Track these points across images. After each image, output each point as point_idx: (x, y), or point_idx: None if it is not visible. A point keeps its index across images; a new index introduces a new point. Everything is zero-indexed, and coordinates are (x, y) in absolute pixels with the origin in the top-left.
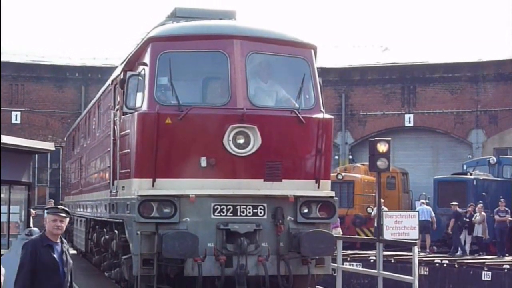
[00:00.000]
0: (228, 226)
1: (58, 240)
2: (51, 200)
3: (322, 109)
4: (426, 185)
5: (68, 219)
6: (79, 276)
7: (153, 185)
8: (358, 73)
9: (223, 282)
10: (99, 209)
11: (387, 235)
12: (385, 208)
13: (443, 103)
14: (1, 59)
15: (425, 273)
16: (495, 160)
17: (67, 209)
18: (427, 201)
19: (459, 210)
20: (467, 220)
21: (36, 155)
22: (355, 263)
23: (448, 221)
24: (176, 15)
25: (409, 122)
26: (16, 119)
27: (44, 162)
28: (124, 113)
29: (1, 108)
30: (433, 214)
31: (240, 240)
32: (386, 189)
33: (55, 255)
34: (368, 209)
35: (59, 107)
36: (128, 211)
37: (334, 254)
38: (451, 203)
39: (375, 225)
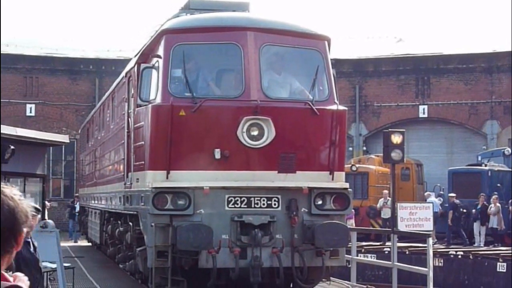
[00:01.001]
0: (242, 218)
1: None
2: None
3: (336, 100)
4: (440, 176)
5: (39, 216)
6: (93, 268)
7: (167, 177)
8: (372, 65)
9: (237, 273)
10: (113, 201)
11: (402, 226)
12: (389, 198)
13: (457, 94)
14: (16, 52)
15: (440, 264)
16: (510, 151)
17: (37, 206)
18: (442, 192)
19: (456, 201)
20: (464, 211)
21: (51, 148)
22: (369, 255)
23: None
24: (189, 7)
25: (424, 113)
26: (30, 112)
27: (58, 155)
28: (138, 105)
29: (16, 101)
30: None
31: (255, 232)
32: (401, 180)
33: (32, 251)
34: (380, 200)
35: (73, 100)
36: (143, 203)
37: (349, 245)
38: (449, 195)
39: (382, 216)
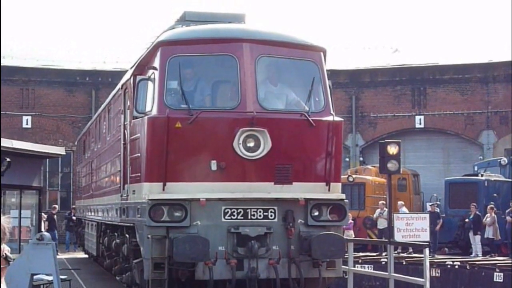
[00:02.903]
0: (239, 230)
1: None
2: (56, 205)
3: (332, 111)
4: (437, 187)
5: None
6: (90, 280)
7: (163, 189)
8: (368, 75)
9: (234, 285)
10: (110, 213)
11: (398, 237)
12: (385, 209)
13: (453, 104)
14: (12, 64)
15: (437, 274)
16: (506, 161)
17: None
18: (438, 202)
19: (436, 210)
20: (440, 221)
21: (47, 159)
22: (366, 265)
23: (460, 222)
24: (185, 19)
25: (420, 123)
26: (26, 124)
27: (55, 166)
28: (134, 117)
29: (12, 113)
30: None
31: (251, 243)
32: (397, 190)
33: None
34: (377, 210)
35: (69, 111)
36: (139, 215)
37: (345, 256)
38: (429, 203)
39: (378, 227)
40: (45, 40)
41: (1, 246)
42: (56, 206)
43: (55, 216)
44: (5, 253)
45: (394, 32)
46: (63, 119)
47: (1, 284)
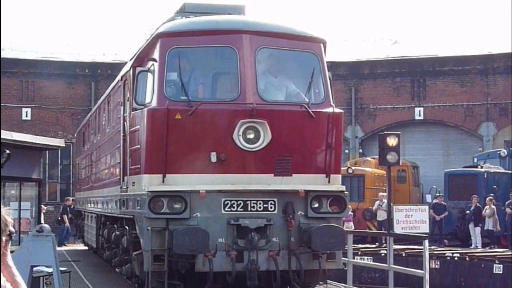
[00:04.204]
0: (238, 221)
1: None
2: (70, 198)
3: (332, 103)
4: (436, 178)
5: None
6: (90, 272)
7: (163, 181)
8: (368, 67)
9: (234, 277)
10: (109, 205)
11: (398, 229)
12: (384, 201)
13: (453, 96)
14: (11, 56)
15: (436, 266)
16: (506, 153)
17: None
18: (438, 194)
19: (443, 203)
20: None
21: (47, 152)
22: (366, 257)
23: (459, 214)
24: (185, 11)
25: (419, 115)
26: (26, 116)
27: (54, 158)
28: (134, 109)
29: (12, 105)
30: None
31: (251, 235)
32: (397, 182)
33: None
34: (376, 202)
35: (69, 103)
36: (139, 207)
37: (345, 248)
38: (436, 195)
39: (377, 219)
40: (45, 32)
41: (3, 238)
42: (70, 198)
43: (68, 209)
44: (10, 230)
45: (393, 24)
46: (63, 111)
47: (7, 258)
